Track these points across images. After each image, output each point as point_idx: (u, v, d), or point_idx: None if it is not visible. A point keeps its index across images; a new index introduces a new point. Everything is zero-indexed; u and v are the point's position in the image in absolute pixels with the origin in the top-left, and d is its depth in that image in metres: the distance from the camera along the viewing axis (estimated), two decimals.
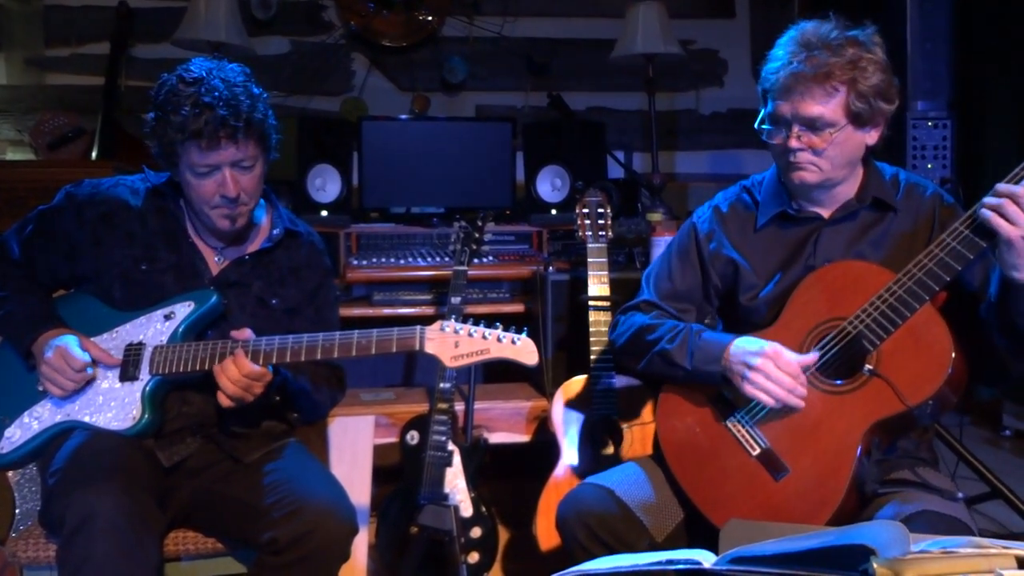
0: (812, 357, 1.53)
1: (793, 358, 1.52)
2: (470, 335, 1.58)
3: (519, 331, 1.59)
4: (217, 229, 1.77)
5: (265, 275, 1.85)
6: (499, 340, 1.58)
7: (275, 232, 1.86)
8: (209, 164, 1.67)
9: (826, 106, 1.53)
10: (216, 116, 1.62)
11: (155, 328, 1.73)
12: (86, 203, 1.79)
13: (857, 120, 1.56)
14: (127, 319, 1.75)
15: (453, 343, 1.58)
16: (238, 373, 1.61)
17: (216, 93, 1.64)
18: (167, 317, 1.73)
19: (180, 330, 1.72)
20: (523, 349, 1.58)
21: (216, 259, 1.83)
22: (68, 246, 1.79)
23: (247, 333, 1.66)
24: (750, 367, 1.52)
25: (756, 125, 1.64)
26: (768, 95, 1.61)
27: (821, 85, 1.52)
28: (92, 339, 1.73)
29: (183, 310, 1.73)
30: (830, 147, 1.56)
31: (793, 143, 1.57)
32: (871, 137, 1.61)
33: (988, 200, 1.40)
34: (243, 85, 1.69)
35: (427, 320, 1.63)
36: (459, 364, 1.59)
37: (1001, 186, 1.40)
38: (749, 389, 1.53)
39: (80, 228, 1.78)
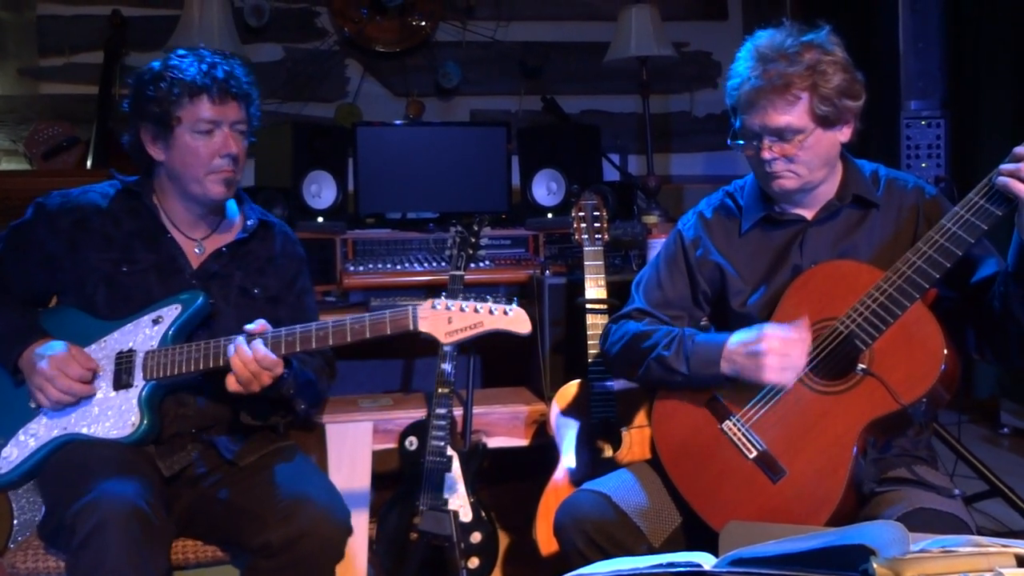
0: (802, 321, 1.52)
1: (787, 327, 1.52)
2: (462, 310, 1.60)
3: (509, 301, 1.60)
4: (210, 198, 1.78)
5: (244, 265, 1.86)
6: (491, 312, 1.59)
7: (250, 223, 1.89)
8: (215, 119, 1.73)
9: (791, 114, 1.55)
10: (224, 71, 1.75)
11: (144, 334, 1.73)
12: (58, 212, 1.79)
13: (824, 122, 1.57)
14: (114, 328, 1.75)
15: (446, 319, 1.60)
16: (250, 356, 1.61)
17: (218, 58, 1.78)
18: (155, 322, 1.73)
19: (170, 333, 1.72)
20: (516, 319, 1.59)
21: (196, 250, 1.84)
22: (44, 257, 1.78)
23: (263, 327, 1.67)
24: (759, 353, 1.51)
25: (729, 141, 1.66)
26: (735, 111, 1.63)
27: (782, 96, 1.54)
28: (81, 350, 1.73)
29: (171, 313, 1.73)
30: (802, 152, 1.58)
31: (766, 154, 1.59)
32: (843, 135, 1.62)
33: (1005, 167, 1.41)
34: (237, 62, 1.81)
35: None
36: (454, 340, 1.60)
37: (1019, 149, 1.40)
38: (768, 376, 1.51)
39: (54, 237, 1.77)
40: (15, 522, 1.76)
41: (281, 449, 1.82)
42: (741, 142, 1.64)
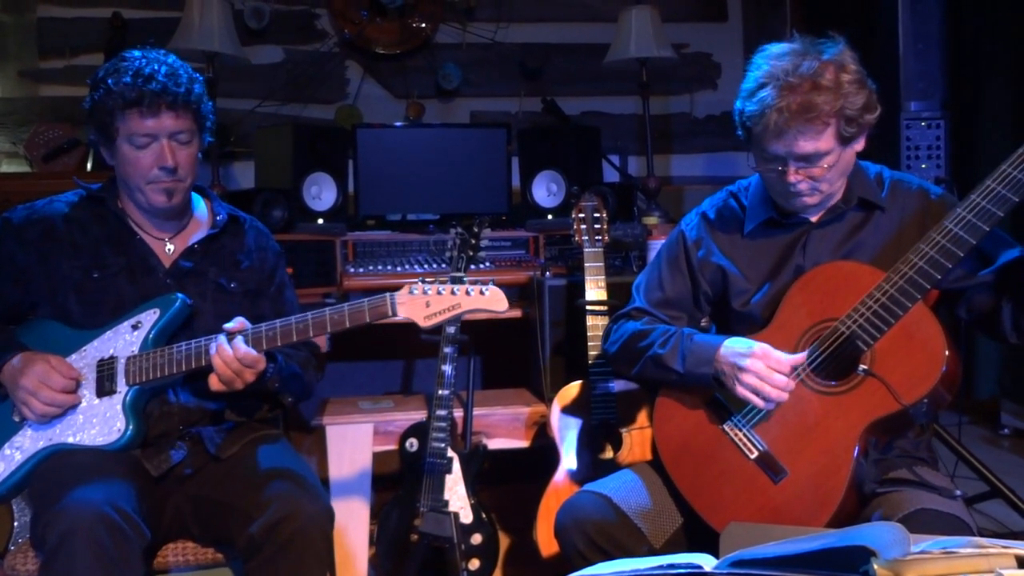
0: (801, 356, 1.54)
1: (783, 357, 1.53)
2: (439, 293, 1.61)
3: (486, 282, 1.61)
4: (153, 206, 1.77)
5: (217, 260, 1.86)
6: (468, 293, 1.60)
7: (219, 219, 1.89)
8: (149, 133, 1.70)
9: (820, 141, 1.53)
10: (158, 82, 1.69)
11: (124, 340, 1.72)
12: (24, 225, 1.78)
13: (848, 141, 1.56)
14: (93, 336, 1.74)
15: (424, 303, 1.61)
16: (231, 355, 1.62)
17: (156, 65, 1.72)
18: (135, 327, 1.73)
19: (151, 337, 1.71)
20: (492, 298, 1.61)
21: (167, 250, 1.83)
22: (16, 271, 1.77)
23: (242, 324, 1.67)
24: (740, 368, 1.53)
25: (752, 166, 1.64)
26: (754, 135, 1.59)
27: (812, 124, 1.51)
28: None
29: (150, 318, 1.73)
30: (828, 172, 1.57)
31: (792, 178, 1.57)
32: (859, 146, 1.61)
33: None
34: (181, 64, 1.77)
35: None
36: (433, 323, 1.61)
37: None
38: (740, 390, 1.54)
39: (24, 250, 1.76)
40: (15, 524, 1.75)
41: (262, 437, 1.82)
42: (758, 161, 1.62)
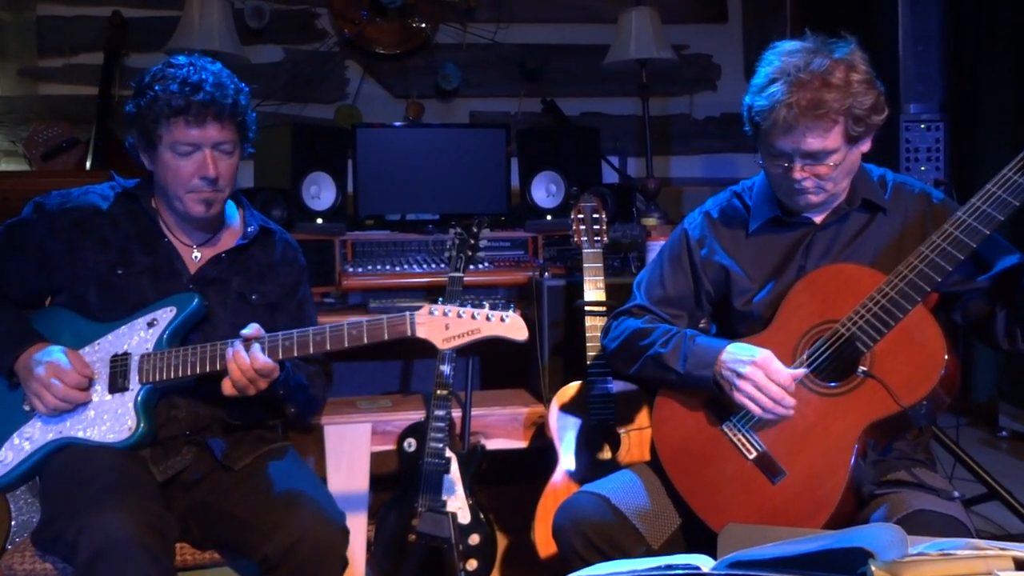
0: (801, 371, 1.54)
1: (784, 369, 1.53)
2: (459, 316, 1.60)
3: (506, 307, 1.61)
4: (191, 216, 1.77)
5: (243, 271, 1.86)
6: (488, 319, 1.60)
7: (250, 229, 1.88)
8: (192, 142, 1.70)
9: (827, 139, 1.54)
10: (205, 92, 1.68)
11: (139, 336, 1.72)
12: (57, 213, 1.78)
13: (855, 141, 1.57)
14: (108, 330, 1.74)
15: (443, 325, 1.60)
16: (248, 363, 1.62)
17: (204, 74, 1.71)
18: (150, 324, 1.72)
19: (165, 336, 1.71)
20: (512, 326, 1.60)
21: (193, 257, 1.83)
22: (42, 257, 1.77)
23: (258, 331, 1.67)
24: (739, 375, 1.53)
25: (758, 161, 1.65)
26: (762, 130, 1.59)
27: (820, 121, 1.52)
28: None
29: (166, 316, 1.73)
30: (833, 171, 1.57)
31: (798, 175, 1.58)
32: (865, 147, 1.62)
33: None
34: (228, 75, 1.76)
35: None
36: (451, 345, 1.61)
37: None
38: (738, 396, 1.54)
39: (53, 238, 1.76)
40: (13, 523, 1.76)
41: (274, 451, 1.81)
42: (765, 159, 1.62)
